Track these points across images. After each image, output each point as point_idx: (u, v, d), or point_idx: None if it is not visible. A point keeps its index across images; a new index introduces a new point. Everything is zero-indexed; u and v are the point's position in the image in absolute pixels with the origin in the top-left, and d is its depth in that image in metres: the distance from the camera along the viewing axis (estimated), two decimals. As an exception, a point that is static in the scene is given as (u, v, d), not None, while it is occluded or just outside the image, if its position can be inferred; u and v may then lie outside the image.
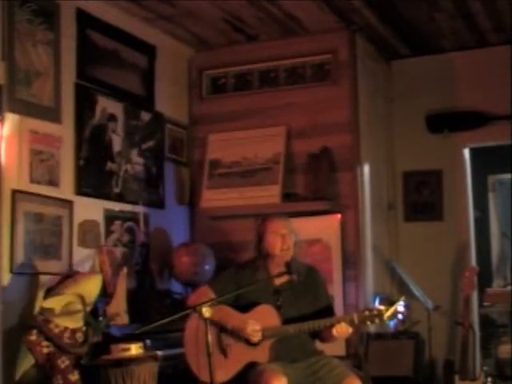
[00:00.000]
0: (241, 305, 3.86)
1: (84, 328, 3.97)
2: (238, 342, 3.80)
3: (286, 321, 3.80)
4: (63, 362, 3.84)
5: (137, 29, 5.25)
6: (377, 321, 3.71)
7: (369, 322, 3.74)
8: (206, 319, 3.42)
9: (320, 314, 3.84)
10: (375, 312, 3.70)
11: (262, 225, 3.97)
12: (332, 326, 3.73)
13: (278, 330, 3.76)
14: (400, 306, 3.72)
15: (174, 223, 5.55)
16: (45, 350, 3.84)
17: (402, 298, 3.79)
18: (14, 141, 4.14)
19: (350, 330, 3.74)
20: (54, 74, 4.47)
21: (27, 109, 4.25)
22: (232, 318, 3.82)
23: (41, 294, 4.07)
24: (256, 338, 3.74)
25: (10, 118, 4.11)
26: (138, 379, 3.84)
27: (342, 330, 3.71)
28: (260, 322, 3.77)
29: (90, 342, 3.97)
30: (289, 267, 3.81)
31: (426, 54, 6.01)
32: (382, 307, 3.73)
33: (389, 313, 3.69)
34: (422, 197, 6.01)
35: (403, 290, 5.68)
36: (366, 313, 3.74)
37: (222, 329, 3.83)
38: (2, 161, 3.97)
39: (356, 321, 3.72)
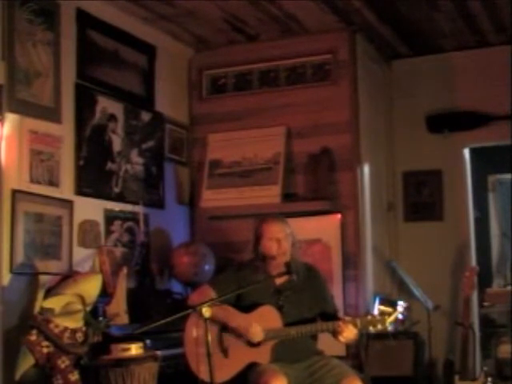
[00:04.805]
0: (242, 305, 3.86)
1: (84, 328, 3.97)
2: (239, 343, 3.79)
3: (288, 321, 3.80)
4: (63, 362, 3.83)
5: (137, 29, 5.25)
6: (379, 326, 3.71)
7: (371, 328, 3.74)
8: (206, 319, 3.41)
9: (325, 318, 3.85)
10: (378, 318, 3.71)
11: (259, 228, 3.95)
12: (334, 330, 3.73)
13: (280, 332, 3.76)
14: (400, 307, 3.73)
15: (174, 223, 5.55)
16: (45, 350, 3.84)
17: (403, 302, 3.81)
18: (13, 141, 4.14)
19: (356, 334, 3.74)
20: (53, 74, 4.47)
21: (27, 109, 4.24)
22: (235, 317, 3.82)
23: (41, 294, 4.07)
24: (257, 338, 3.74)
25: (10, 118, 4.11)
26: (137, 379, 3.84)
27: (348, 335, 3.72)
28: (262, 322, 3.77)
29: (89, 341, 3.97)
30: (288, 267, 3.81)
31: (426, 54, 6.01)
32: (384, 308, 3.73)
33: (391, 318, 3.70)
34: (421, 197, 6.01)
35: (403, 289, 5.69)
36: (369, 318, 3.74)
37: (223, 328, 3.83)
38: (2, 161, 3.97)
39: (359, 325, 3.72)
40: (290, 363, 3.76)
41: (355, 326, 3.71)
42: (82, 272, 4.39)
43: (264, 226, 3.93)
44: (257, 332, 3.73)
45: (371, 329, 3.75)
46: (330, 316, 3.87)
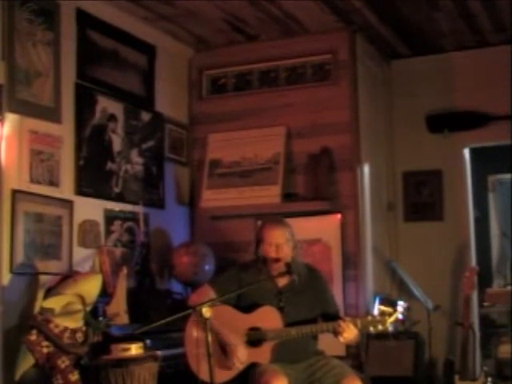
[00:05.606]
0: (243, 305, 3.86)
1: (84, 328, 3.98)
2: (239, 343, 3.79)
3: (289, 322, 3.80)
4: (63, 362, 3.83)
5: (137, 29, 5.25)
6: (380, 327, 3.71)
7: (371, 328, 3.74)
8: (206, 319, 3.41)
9: (326, 318, 3.85)
10: (378, 318, 3.71)
11: (260, 233, 3.94)
12: (334, 330, 3.73)
13: (280, 333, 3.76)
14: (400, 307, 3.73)
15: (174, 223, 5.55)
16: (45, 350, 3.84)
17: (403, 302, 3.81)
18: (13, 141, 4.14)
19: (357, 334, 3.74)
20: (53, 74, 4.47)
21: (27, 109, 4.24)
22: (230, 324, 3.79)
23: (41, 294, 4.08)
24: (239, 364, 3.71)
25: (10, 118, 4.11)
26: (137, 379, 3.84)
27: (348, 336, 3.71)
28: (262, 323, 3.77)
29: (89, 341, 3.98)
30: (289, 268, 3.81)
31: (426, 54, 6.01)
32: (384, 309, 3.73)
33: (391, 319, 3.70)
34: (422, 197, 6.01)
35: (403, 290, 5.69)
36: (369, 318, 3.75)
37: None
38: (2, 161, 3.97)
39: (359, 326, 3.72)
40: (290, 363, 3.76)
41: (356, 325, 3.72)
42: (82, 272, 4.39)
43: (264, 230, 3.92)
44: (241, 359, 3.71)
45: (371, 329, 3.76)
46: (332, 317, 3.87)
